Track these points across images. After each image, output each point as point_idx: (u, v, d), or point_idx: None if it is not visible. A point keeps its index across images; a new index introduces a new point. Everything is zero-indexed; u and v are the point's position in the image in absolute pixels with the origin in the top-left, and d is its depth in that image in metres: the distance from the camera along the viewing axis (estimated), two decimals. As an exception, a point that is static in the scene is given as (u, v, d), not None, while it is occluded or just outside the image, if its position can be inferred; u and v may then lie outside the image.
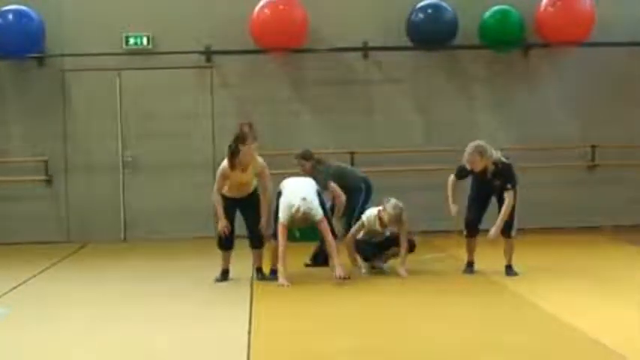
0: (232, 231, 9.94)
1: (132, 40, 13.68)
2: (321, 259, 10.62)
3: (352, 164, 13.06)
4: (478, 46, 13.79)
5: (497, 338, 7.30)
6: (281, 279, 9.60)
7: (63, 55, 13.57)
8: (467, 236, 10.32)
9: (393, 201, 10.04)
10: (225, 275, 10.08)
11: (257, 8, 13.26)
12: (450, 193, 10.18)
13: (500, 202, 10.08)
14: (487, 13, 13.61)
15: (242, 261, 10.35)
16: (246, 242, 10.05)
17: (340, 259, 9.74)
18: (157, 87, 13.70)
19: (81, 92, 13.76)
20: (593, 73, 14.03)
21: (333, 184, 10.71)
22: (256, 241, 10.05)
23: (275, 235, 9.89)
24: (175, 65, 13.66)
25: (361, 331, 7.60)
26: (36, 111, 13.67)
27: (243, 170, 9.69)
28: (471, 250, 10.38)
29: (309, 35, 13.53)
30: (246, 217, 10.08)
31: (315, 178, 10.37)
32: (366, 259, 10.38)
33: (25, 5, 13.27)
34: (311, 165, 10.83)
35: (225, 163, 9.72)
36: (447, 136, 13.44)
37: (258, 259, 10.15)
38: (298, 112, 13.80)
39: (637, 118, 14.00)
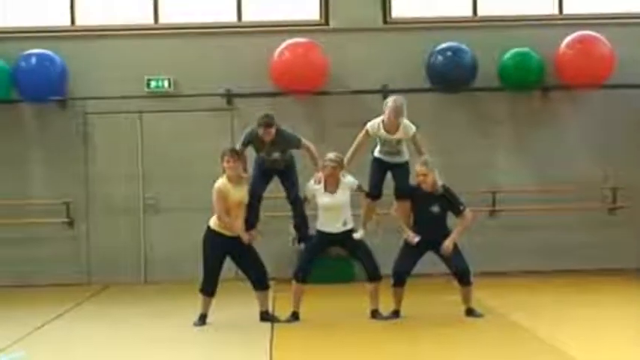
0: (217, 278, 10.09)
1: (153, 83, 13.80)
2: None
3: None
4: (498, 88, 13.83)
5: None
6: None
7: (85, 98, 13.70)
8: (394, 285, 10.14)
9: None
10: (203, 319, 10.15)
11: (277, 51, 13.38)
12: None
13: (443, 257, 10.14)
14: (507, 55, 13.65)
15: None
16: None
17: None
18: (178, 130, 13.79)
19: (102, 134, 13.86)
20: (613, 114, 14.00)
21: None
22: (263, 282, 10.13)
23: (299, 277, 10.02)
24: (196, 108, 13.77)
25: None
26: (58, 153, 13.79)
27: (237, 183, 9.93)
28: (399, 300, 10.23)
29: (329, 78, 13.62)
30: (244, 260, 10.15)
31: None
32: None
33: (49, 49, 13.44)
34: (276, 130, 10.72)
35: (219, 181, 9.87)
36: (468, 178, 13.37)
37: (265, 301, 10.23)
38: (320, 153, 13.75)
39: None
